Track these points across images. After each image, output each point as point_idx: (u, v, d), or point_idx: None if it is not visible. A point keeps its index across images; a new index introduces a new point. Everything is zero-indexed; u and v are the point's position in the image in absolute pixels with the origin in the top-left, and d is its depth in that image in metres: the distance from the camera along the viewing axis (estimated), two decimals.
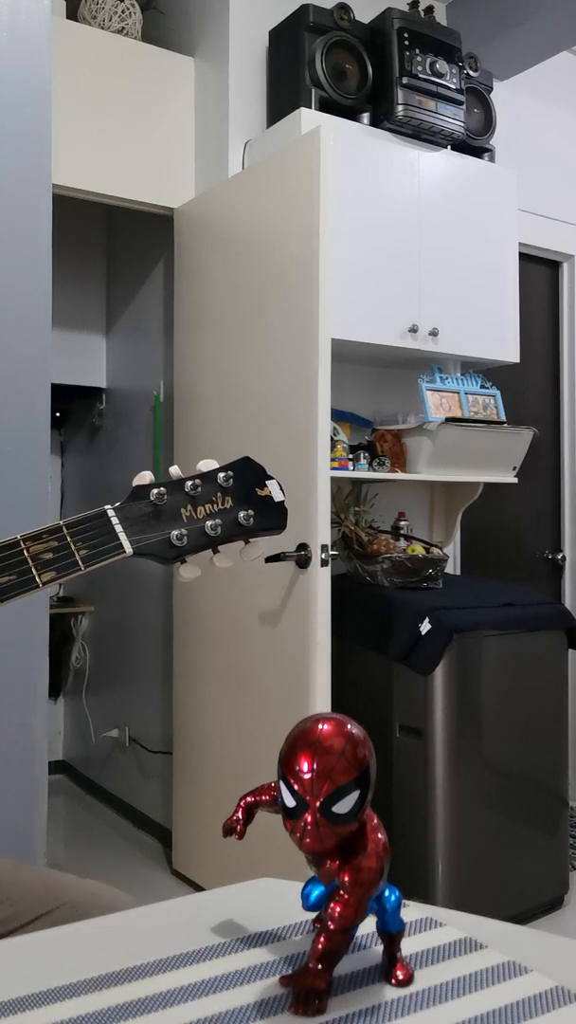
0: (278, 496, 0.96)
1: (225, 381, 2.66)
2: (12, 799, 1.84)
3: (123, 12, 2.92)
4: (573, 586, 3.72)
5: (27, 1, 1.88)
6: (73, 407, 3.93)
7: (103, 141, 2.83)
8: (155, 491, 0.92)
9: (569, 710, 2.72)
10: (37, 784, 1.88)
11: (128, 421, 3.51)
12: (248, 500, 0.95)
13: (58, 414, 3.92)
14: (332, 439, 2.56)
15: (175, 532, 0.91)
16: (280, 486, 0.97)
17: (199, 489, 0.93)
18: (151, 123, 2.93)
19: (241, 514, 0.94)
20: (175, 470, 0.94)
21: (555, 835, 2.62)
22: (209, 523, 0.92)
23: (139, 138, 2.90)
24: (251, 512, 0.94)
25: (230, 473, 0.94)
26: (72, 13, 2.98)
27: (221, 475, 0.94)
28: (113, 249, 3.71)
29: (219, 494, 0.94)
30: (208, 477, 0.94)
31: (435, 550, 2.71)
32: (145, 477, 0.93)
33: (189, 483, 0.93)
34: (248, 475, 0.95)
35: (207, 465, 0.95)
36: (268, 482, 0.96)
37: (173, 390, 2.99)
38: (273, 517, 0.95)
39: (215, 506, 0.93)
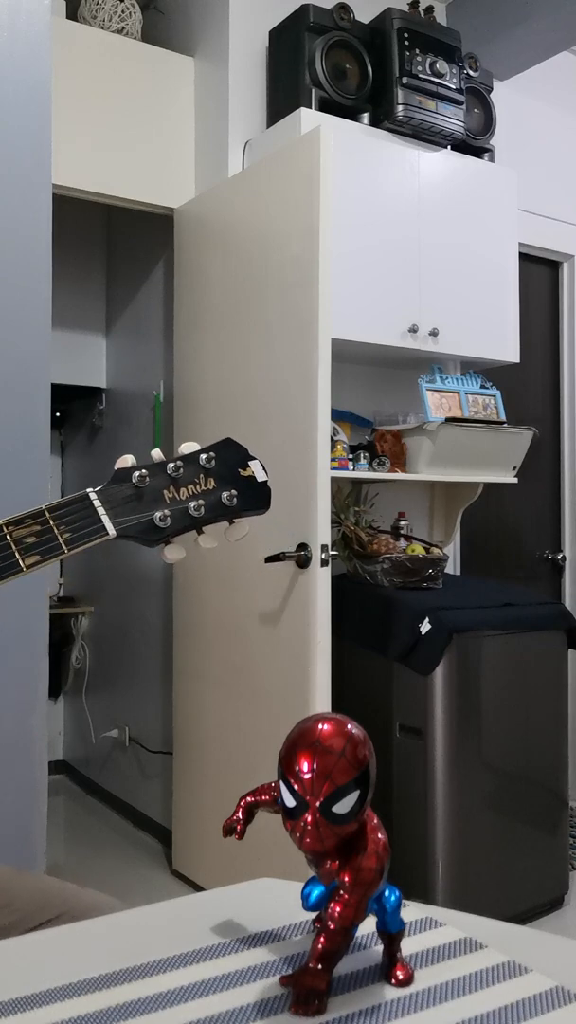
0: (261, 476, 0.96)
1: (225, 381, 2.66)
2: (12, 799, 1.84)
3: (123, 12, 2.92)
4: (573, 586, 3.72)
5: (27, 1, 1.87)
6: (73, 407, 3.93)
7: (103, 141, 2.83)
8: (137, 473, 0.92)
9: (569, 710, 2.72)
10: (37, 784, 1.88)
11: (128, 421, 3.51)
12: (231, 481, 0.95)
13: (58, 414, 3.92)
14: (332, 439, 2.56)
15: (158, 514, 0.91)
16: (263, 466, 0.97)
17: (181, 471, 0.93)
18: (151, 123, 2.93)
19: (224, 495, 0.94)
20: (157, 453, 0.94)
21: (555, 835, 2.62)
22: (192, 504, 0.92)
23: (139, 138, 2.90)
24: (234, 492, 0.94)
25: (212, 454, 0.95)
26: (72, 13, 2.98)
27: (203, 456, 0.94)
28: (113, 249, 3.71)
29: (201, 475, 0.94)
30: (190, 459, 0.94)
31: (435, 550, 2.71)
32: (127, 460, 0.93)
33: (171, 465, 0.93)
34: (230, 456, 0.96)
35: (189, 447, 0.95)
36: (251, 462, 0.96)
37: (173, 390, 2.99)
38: (257, 497, 0.95)
39: (198, 487, 0.93)
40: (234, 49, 2.82)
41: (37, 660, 1.88)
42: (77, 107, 2.78)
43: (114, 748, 3.60)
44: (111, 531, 0.90)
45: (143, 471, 0.92)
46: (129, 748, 3.48)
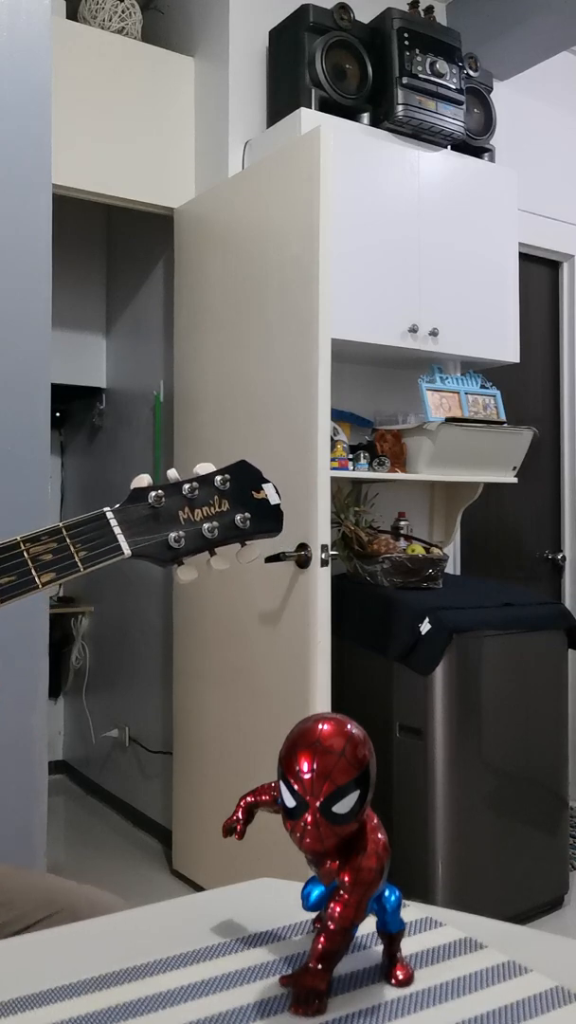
0: (274, 499, 0.97)
1: (225, 381, 2.66)
2: (12, 799, 1.84)
3: (123, 12, 2.92)
4: (573, 586, 3.72)
5: (27, 1, 1.87)
6: (73, 407, 3.93)
7: (103, 141, 2.83)
8: (153, 494, 0.93)
9: (569, 710, 2.72)
10: (37, 784, 1.88)
11: (128, 421, 3.51)
12: (245, 503, 0.96)
13: (58, 414, 3.92)
14: (332, 439, 2.56)
15: (173, 534, 0.92)
16: (276, 489, 0.98)
17: (196, 492, 0.94)
18: (151, 123, 2.93)
19: (238, 517, 0.95)
20: (173, 473, 0.95)
21: (555, 835, 2.62)
22: (206, 525, 0.93)
23: (139, 138, 2.90)
24: (247, 515, 0.95)
25: (227, 476, 0.95)
26: (72, 13, 2.98)
27: (218, 478, 0.95)
28: (113, 249, 3.71)
29: (216, 497, 0.95)
30: (205, 480, 0.95)
31: (435, 550, 2.71)
32: (143, 480, 0.94)
33: (186, 486, 0.94)
34: (245, 478, 0.97)
35: (204, 468, 0.96)
36: (264, 485, 0.97)
37: (173, 390, 2.99)
38: (269, 520, 0.96)
39: (212, 509, 0.94)
40: (234, 49, 2.82)
41: (37, 660, 1.88)
42: (77, 107, 2.78)
43: (114, 748, 3.60)
44: (126, 550, 0.91)
45: (159, 491, 0.93)
46: (129, 748, 3.48)
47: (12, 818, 1.84)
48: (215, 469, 0.96)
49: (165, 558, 0.92)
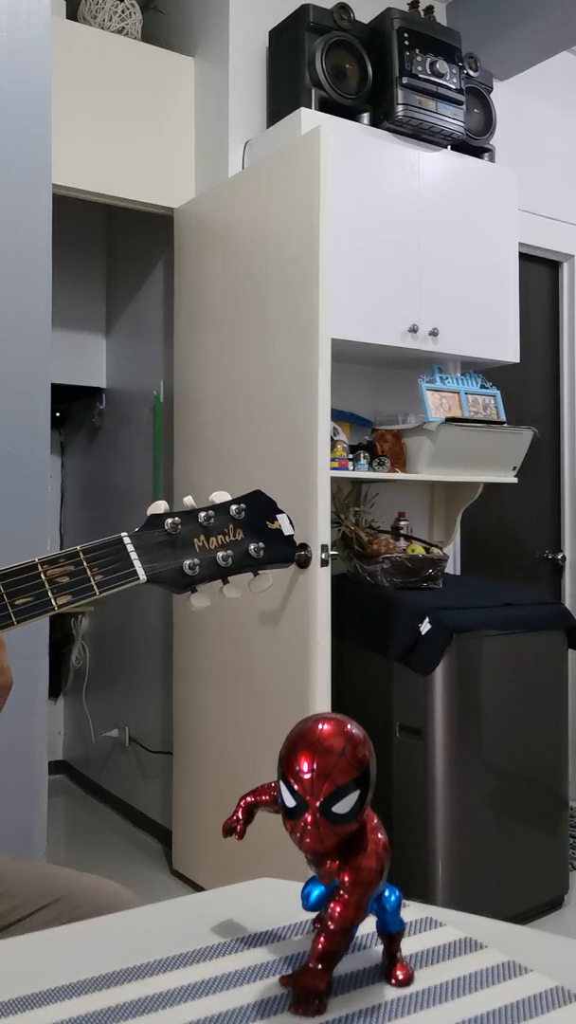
0: (288, 530, 0.99)
1: (225, 381, 2.66)
2: (12, 799, 1.84)
3: (123, 12, 2.92)
4: (573, 586, 3.72)
5: (27, 1, 1.87)
6: (73, 407, 3.93)
7: (103, 141, 2.83)
8: (170, 521, 0.94)
9: (569, 710, 2.72)
10: (37, 784, 1.88)
11: (128, 421, 3.51)
12: (259, 532, 0.97)
13: (58, 414, 3.92)
14: (332, 439, 2.56)
15: (188, 561, 0.94)
16: (290, 520, 1.00)
17: (212, 520, 0.96)
18: (151, 123, 2.93)
19: (252, 546, 0.96)
20: (189, 500, 0.97)
21: (555, 835, 2.62)
22: (221, 554, 0.95)
23: (139, 138, 2.90)
24: (261, 544, 0.97)
25: (242, 505, 0.97)
26: (72, 13, 2.98)
27: (233, 507, 0.97)
28: (113, 249, 3.71)
29: (231, 526, 0.96)
30: (221, 509, 0.96)
31: (435, 550, 2.71)
32: (160, 506, 0.96)
33: (203, 514, 0.95)
34: (259, 508, 0.98)
35: (220, 497, 0.98)
36: (278, 515, 0.99)
37: (173, 390, 2.99)
38: (282, 550, 0.98)
39: (227, 537, 0.96)
40: (234, 49, 2.82)
41: (37, 660, 1.88)
42: (77, 107, 2.78)
43: (114, 748, 3.60)
44: (142, 576, 0.92)
45: (176, 519, 0.94)
46: (129, 748, 3.48)
47: (12, 818, 1.84)
48: (231, 498, 0.98)
49: (180, 584, 0.93)
